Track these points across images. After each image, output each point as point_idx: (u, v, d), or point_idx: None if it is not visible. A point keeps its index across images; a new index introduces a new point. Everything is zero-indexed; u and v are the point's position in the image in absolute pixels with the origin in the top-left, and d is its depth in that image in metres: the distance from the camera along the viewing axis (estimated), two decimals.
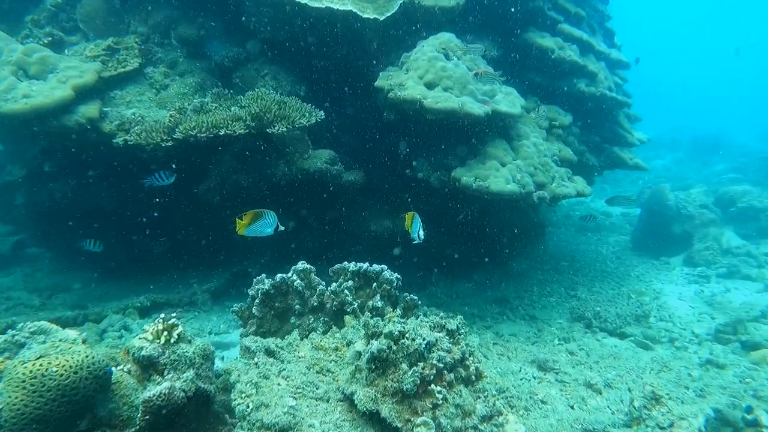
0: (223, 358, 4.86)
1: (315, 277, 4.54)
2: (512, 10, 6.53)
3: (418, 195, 6.71)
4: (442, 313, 6.19)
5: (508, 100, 5.73)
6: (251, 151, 5.53)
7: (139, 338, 3.01)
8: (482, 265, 8.62)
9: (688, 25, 61.58)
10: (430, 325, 3.26)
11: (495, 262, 8.71)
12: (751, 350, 5.57)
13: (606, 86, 6.80)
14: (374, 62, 6.50)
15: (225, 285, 6.32)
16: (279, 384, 2.99)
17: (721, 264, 8.78)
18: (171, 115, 5.01)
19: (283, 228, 4.29)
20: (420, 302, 5.27)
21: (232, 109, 5.34)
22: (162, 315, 3.03)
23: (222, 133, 4.84)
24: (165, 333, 3.01)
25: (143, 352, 2.87)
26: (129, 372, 2.90)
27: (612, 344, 5.77)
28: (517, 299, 7.39)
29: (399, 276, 4.95)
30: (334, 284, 4.48)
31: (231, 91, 5.89)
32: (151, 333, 3.00)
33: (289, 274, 4.45)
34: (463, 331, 3.24)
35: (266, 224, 4.27)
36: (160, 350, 2.94)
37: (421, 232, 4.86)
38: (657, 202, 9.81)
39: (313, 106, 5.69)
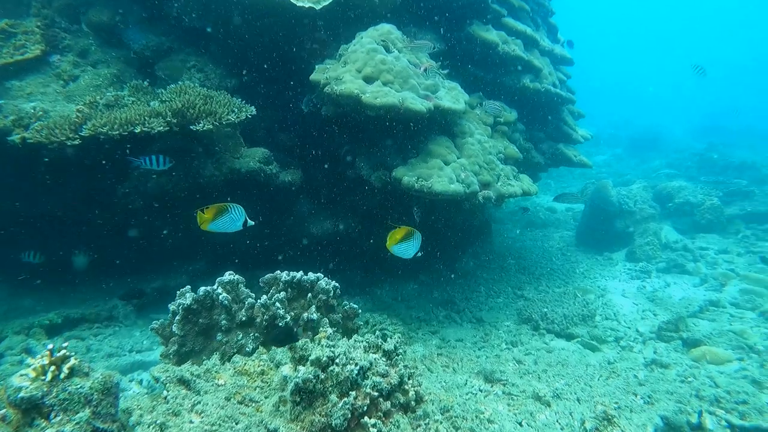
0: (141, 382, 4.37)
1: (244, 289, 4.13)
2: (455, 2, 6.30)
3: (361, 195, 6.39)
4: (385, 322, 5.93)
5: (452, 96, 5.48)
6: (175, 150, 5.03)
7: (20, 375, 2.55)
8: (429, 264, 8.42)
9: (626, 23, 64.00)
10: (365, 346, 2.94)
11: (442, 262, 8.52)
12: (691, 347, 5.58)
13: (550, 82, 6.69)
14: (311, 55, 6.12)
15: (152, 296, 5.78)
16: (191, 422, 2.59)
17: (660, 259, 8.93)
18: (79, 110, 4.46)
19: (252, 222, 3.91)
20: (360, 310, 4.95)
21: (152, 104, 4.83)
22: (50, 345, 2.58)
23: (138, 130, 4.34)
24: (53, 368, 2.56)
25: (21, 394, 2.42)
26: (3, 419, 2.44)
27: (560, 347, 5.65)
28: (464, 300, 7.21)
29: (336, 284, 4.62)
30: (264, 296, 4.09)
31: (152, 84, 5.38)
32: (35, 369, 2.55)
33: (214, 287, 4.03)
34: (401, 351, 2.94)
35: (233, 219, 3.85)
36: (45, 389, 2.49)
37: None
38: (600, 198, 9.90)
39: (244, 102, 5.25)
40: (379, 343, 2.96)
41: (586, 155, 9.23)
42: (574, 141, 7.34)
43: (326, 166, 6.46)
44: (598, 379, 4.15)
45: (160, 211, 5.42)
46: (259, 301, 4.05)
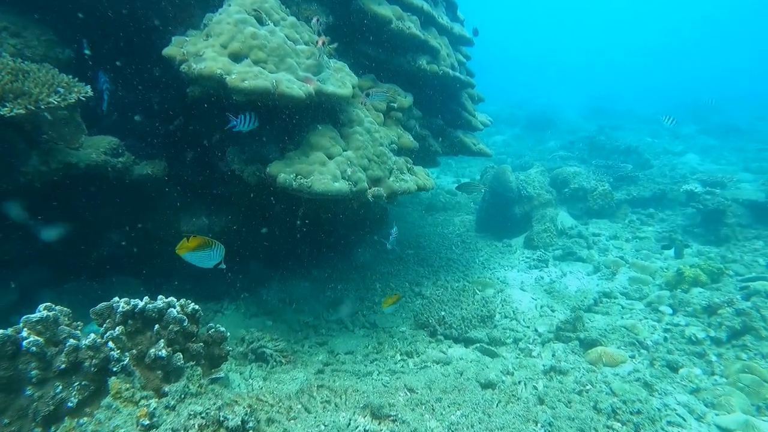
0: None
1: (64, 327, 3.21)
2: None
3: (238, 190, 5.53)
4: (264, 338, 5.16)
5: (337, 78, 4.75)
6: None
7: None
8: (321, 258, 7.77)
9: (527, 3, 65.94)
10: (200, 425, 2.22)
11: (336, 254, 7.90)
12: (588, 348, 5.43)
13: (449, 64, 6.16)
14: (174, 22, 5.10)
15: None
16: None
17: (557, 246, 8.94)
18: None
19: (224, 267, 3.91)
20: (228, 334, 4.20)
21: None
22: None
23: None
24: None
25: None
26: None
27: (458, 355, 5.26)
28: (358, 301, 6.64)
29: (196, 307, 3.84)
30: (92, 335, 3.21)
31: None
32: None
33: (19, 328, 3.09)
34: (251, 425, 2.26)
35: (210, 257, 3.91)
36: None
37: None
38: (499, 183, 9.72)
39: (77, 79, 4.17)
40: (221, 418, 2.25)
41: (487, 134, 8.96)
42: (474, 128, 6.93)
43: (196, 156, 5.51)
44: (497, 405, 3.74)
45: None
46: (84, 341, 3.16)
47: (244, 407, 2.39)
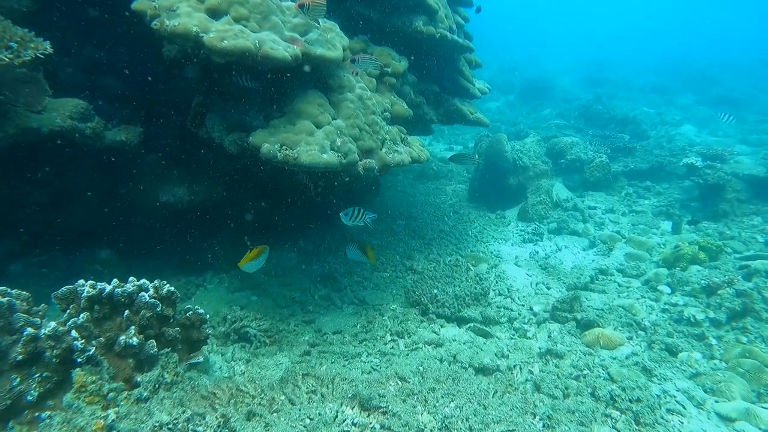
0: None
1: (21, 315, 2.91)
2: None
3: (220, 159, 5.18)
4: (248, 317, 4.89)
5: (327, 40, 4.35)
6: None
7: None
8: (309, 228, 7.49)
9: None
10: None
11: (325, 223, 7.62)
12: (585, 329, 5.24)
13: (447, 26, 5.74)
14: None
15: None
16: None
17: (552, 218, 8.70)
18: None
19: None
20: (207, 316, 3.93)
21: None
22: None
23: None
24: None
25: None
26: None
27: (451, 336, 5.04)
28: (347, 275, 6.39)
29: (172, 289, 3.55)
30: (52, 323, 2.92)
31: None
32: None
33: None
34: None
35: (260, 262, 4.40)
36: None
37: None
38: (494, 153, 9.39)
39: (34, 33, 3.74)
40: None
41: (481, 101, 8.54)
42: (472, 95, 6.55)
43: (174, 120, 5.12)
44: (493, 396, 3.53)
45: None
46: (44, 330, 2.86)
47: (217, 417, 2.13)
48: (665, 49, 33.69)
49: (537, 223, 8.60)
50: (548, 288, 6.28)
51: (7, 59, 3.35)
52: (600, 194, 9.81)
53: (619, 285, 6.40)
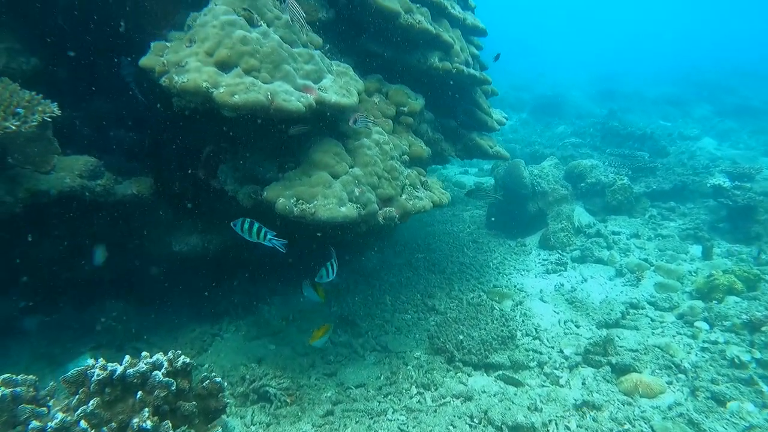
0: None
1: (26, 406, 2.72)
2: None
3: (233, 210, 5.01)
4: (267, 375, 4.67)
5: (341, 85, 4.18)
6: None
7: None
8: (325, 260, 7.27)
9: None
10: None
11: (341, 261, 7.41)
12: (621, 375, 4.94)
13: (463, 60, 5.56)
14: (156, 23, 4.52)
15: None
16: None
17: (575, 246, 8.42)
18: None
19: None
20: (224, 384, 3.72)
21: None
22: None
23: None
24: None
25: None
26: None
27: (479, 387, 4.77)
28: (367, 318, 6.15)
29: (187, 360, 3.35)
30: (60, 414, 2.72)
31: None
32: None
33: None
34: None
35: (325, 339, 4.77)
36: None
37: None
38: (512, 179, 9.16)
39: (41, 96, 3.62)
40: None
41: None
42: (490, 128, 6.35)
43: (185, 170, 4.97)
44: None
45: None
46: (51, 423, 2.67)
47: None
48: (676, 57, 33.37)
49: (560, 252, 8.32)
50: (577, 326, 5.99)
51: (14, 127, 3.22)
52: (623, 218, 9.50)
53: (652, 320, 6.09)
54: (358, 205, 3.96)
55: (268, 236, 3.81)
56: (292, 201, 3.77)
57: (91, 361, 4.38)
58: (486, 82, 5.93)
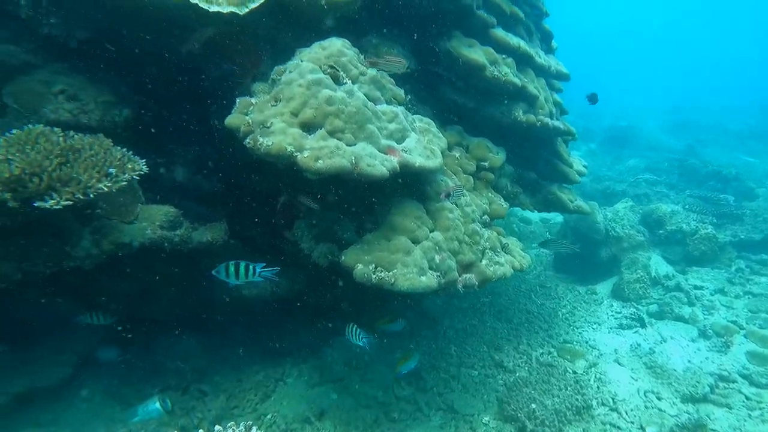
0: None
1: None
2: (430, 7, 4.78)
3: (303, 258, 4.94)
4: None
5: (425, 145, 4.03)
6: (18, 228, 3.43)
7: None
8: (388, 307, 7.10)
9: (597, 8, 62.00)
10: None
11: (403, 302, 7.24)
12: None
13: (547, 112, 5.31)
14: (238, 72, 4.55)
15: (3, 410, 4.20)
16: None
17: (651, 299, 7.89)
18: None
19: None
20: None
21: None
22: None
23: None
24: None
25: None
26: None
27: None
28: (432, 370, 5.93)
29: None
30: None
31: (2, 116, 3.75)
32: None
33: None
34: None
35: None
36: None
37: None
38: (585, 223, 8.72)
39: (132, 153, 3.67)
40: None
41: None
42: (571, 181, 6.03)
43: (259, 218, 4.95)
44: None
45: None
46: None
47: None
48: (761, 86, 31.34)
49: (634, 305, 7.80)
50: (659, 398, 5.53)
51: (106, 189, 3.26)
52: (705, 270, 8.84)
53: (747, 398, 5.54)
54: (439, 274, 3.77)
55: (258, 270, 3.64)
56: (370, 268, 3.63)
57: (159, 405, 4.40)
58: (570, 133, 5.64)
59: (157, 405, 4.31)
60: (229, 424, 3.20)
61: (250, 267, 3.64)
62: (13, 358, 4.41)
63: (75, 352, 4.89)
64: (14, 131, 3.35)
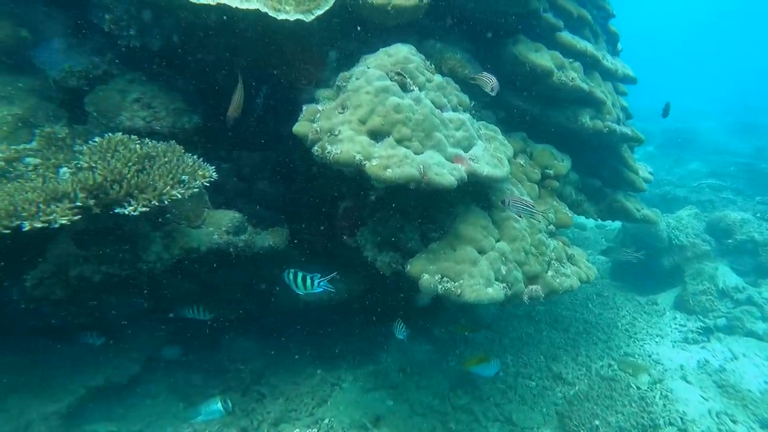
0: None
1: None
2: (495, 10, 4.68)
3: (363, 262, 4.94)
4: None
5: (491, 153, 3.95)
6: (99, 230, 3.57)
7: None
8: (442, 313, 7.03)
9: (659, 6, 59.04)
10: None
11: (458, 307, 7.15)
12: None
13: (614, 117, 5.11)
14: (301, 77, 4.59)
15: (80, 403, 4.39)
16: None
17: (719, 312, 7.49)
18: None
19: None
20: None
21: (61, 170, 3.35)
22: None
23: (27, 227, 2.87)
24: None
25: None
26: None
27: None
28: (488, 380, 5.81)
29: None
30: None
31: (84, 123, 3.91)
32: None
33: None
34: None
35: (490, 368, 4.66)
36: None
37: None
38: (647, 230, 8.38)
39: (202, 160, 3.75)
40: None
41: None
42: (637, 189, 5.78)
43: (320, 222, 4.98)
44: None
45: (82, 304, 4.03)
46: None
47: None
48: None
49: (701, 318, 7.44)
50: (734, 421, 5.24)
51: (179, 195, 3.34)
52: None
53: None
54: (505, 285, 3.68)
55: (316, 281, 3.68)
56: (436, 278, 3.57)
57: (221, 405, 4.47)
58: (638, 140, 5.42)
59: (219, 405, 4.39)
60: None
61: (307, 278, 3.69)
62: (92, 353, 4.60)
63: (142, 350, 5.06)
64: (96, 139, 3.48)
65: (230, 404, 4.45)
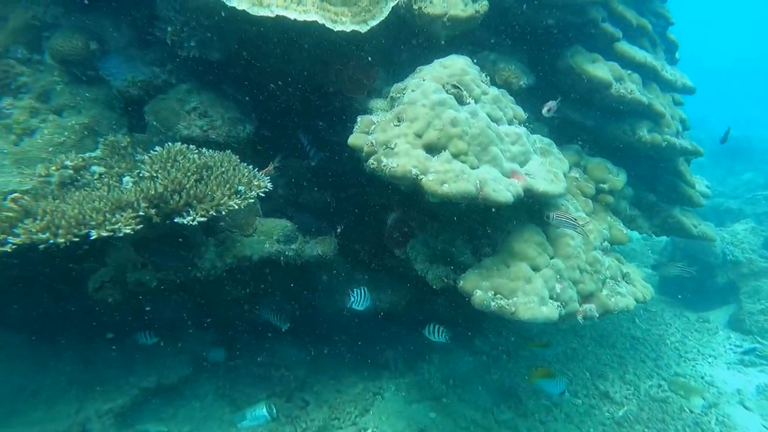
0: None
1: None
2: (550, 19, 4.58)
3: (410, 272, 4.90)
4: None
5: (548, 168, 3.86)
6: (157, 237, 3.65)
7: None
8: (484, 323, 6.93)
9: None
10: None
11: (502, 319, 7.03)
12: None
13: (673, 131, 4.93)
14: (354, 87, 4.59)
15: (134, 402, 4.50)
16: None
17: None
18: (14, 199, 3.10)
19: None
20: None
21: (124, 180, 3.44)
22: None
23: (94, 235, 2.96)
24: None
25: None
26: None
27: None
28: (532, 395, 5.69)
29: None
30: None
31: (144, 130, 4.03)
32: None
33: None
34: None
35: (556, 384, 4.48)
36: None
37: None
38: (699, 246, 8.06)
39: (256, 169, 3.79)
40: None
41: None
42: (694, 204, 5.55)
43: (368, 232, 4.98)
44: None
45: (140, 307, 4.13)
46: None
47: None
48: None
49: (759, 340, 7.11)
50: None
51: (236, 206, 3.39)
52: None
53: None
54: (559, 304, 3.59)
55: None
56: (489, 295, 3.51)
57: (266, 411, 4.51)
58: (697, 153, 5.21)
59: (264, 411, 4.43)
60: None
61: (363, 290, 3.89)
62: (144, 354, 4.72)
63: (191, 352, 5.16)
64: (157, 149, 3.56)
65: (275, 410, 4.48)
